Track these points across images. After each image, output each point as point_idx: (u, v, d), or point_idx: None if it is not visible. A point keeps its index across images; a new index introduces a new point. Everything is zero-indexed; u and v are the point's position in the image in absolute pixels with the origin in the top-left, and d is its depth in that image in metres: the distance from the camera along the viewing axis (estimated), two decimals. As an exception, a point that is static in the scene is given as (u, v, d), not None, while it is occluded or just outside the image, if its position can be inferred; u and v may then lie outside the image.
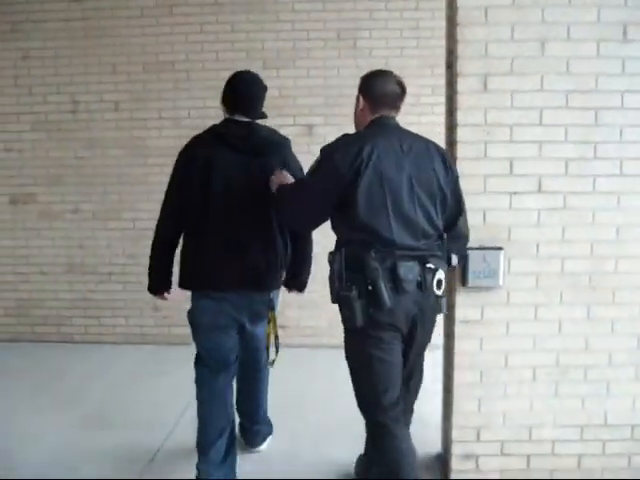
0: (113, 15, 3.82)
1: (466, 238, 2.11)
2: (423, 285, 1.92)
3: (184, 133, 3.66)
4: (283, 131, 2.34)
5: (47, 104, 3.86)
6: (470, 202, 2.00)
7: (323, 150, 1.98)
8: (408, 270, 1.89)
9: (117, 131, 3.83)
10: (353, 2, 3.75)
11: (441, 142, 2.19)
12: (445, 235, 2.03)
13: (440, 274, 1.95)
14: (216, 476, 2.25)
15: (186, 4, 3.80)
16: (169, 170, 3.50)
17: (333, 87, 3.74)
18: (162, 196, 3.54)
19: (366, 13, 3.72)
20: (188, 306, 2.17)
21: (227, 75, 3.82)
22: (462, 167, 2.05)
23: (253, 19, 3.77)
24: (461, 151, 2.10)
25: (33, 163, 3.91)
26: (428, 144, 2.00)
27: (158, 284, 2.34)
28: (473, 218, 2.05)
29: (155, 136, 3.78)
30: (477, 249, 2.17)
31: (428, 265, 1.92)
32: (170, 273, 2.30)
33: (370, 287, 1.85)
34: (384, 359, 1.94)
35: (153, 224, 3.37)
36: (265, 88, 2.35)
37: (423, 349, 2.08)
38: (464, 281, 2.23)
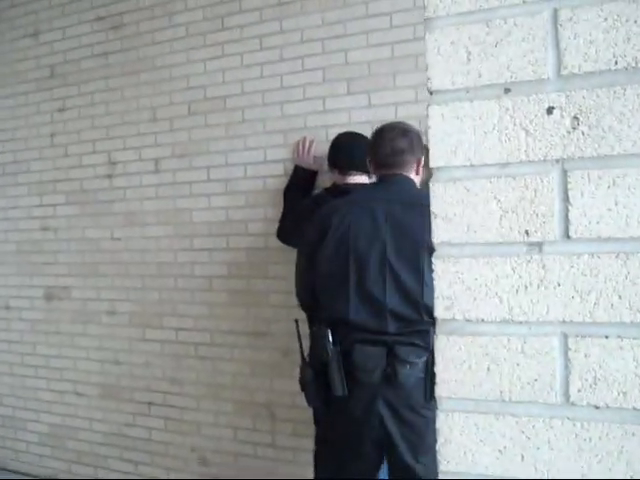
0: (154, 40, 3.40)
1: None
2: (394, 379, 1.98)
3: (239, 202, 3.17)
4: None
5: (82, 168, 3.62)
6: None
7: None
8: (366, 357, 2.02)
9: (158, 201, 3.39)
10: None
11: None
12: None
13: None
14: None
15: (240, 11, 3.18)
16: (220, 258, 3.24)
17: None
18: (211, 297, 3.28)
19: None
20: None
21: (295, 110, 3.04)
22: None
23: (331, 18, 2.97)
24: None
25: (68, 247, 3.67)
26: (423, 206, 1.83)
27: None
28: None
29: (203, 207, 3.26)
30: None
31: (399, 354, 1.97)
32: None
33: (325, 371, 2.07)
34: (334, 454, 2.16)
35: (201, 337, 3.22)
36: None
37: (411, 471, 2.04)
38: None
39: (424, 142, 2.32)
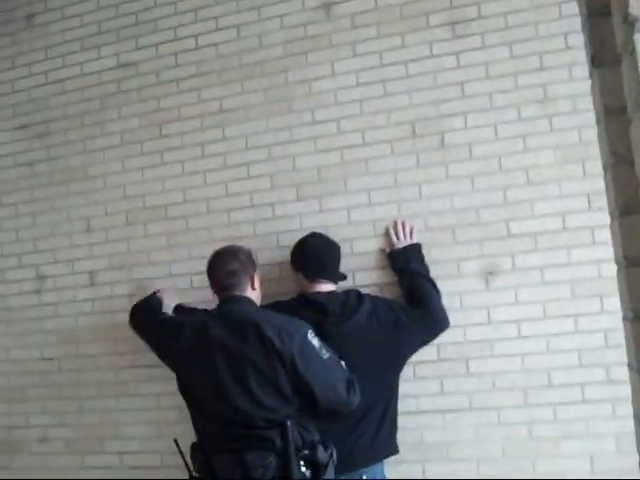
0: (85, 149, 3.28)
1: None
2: None
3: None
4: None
5: (6, 284, 3.35)
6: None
7: None
8: (222, 465, 2.16)
9: (93, 317, 3.16)
10: (433, 79, 2.81)
11: None
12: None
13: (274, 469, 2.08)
14: None
15: (179, 119, 3.13)
16: (166, 374, 2.98)
17: (415, 216, 2.76)
18: (158, 416, 3.03)
19: (455, 89, 2.78)
20: None
21: (243, 216, 2.84)
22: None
23: (276, 125, 2.98)
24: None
25: (-10, 370, 3.30)
26: (249, 324, 2.19)
27: None
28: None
29: (146, 321, 3.01)
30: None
31: (248, 459, 2.09)
32: None
33: None
34: None
35: (146, 459, 3.07)
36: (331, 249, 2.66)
37: None
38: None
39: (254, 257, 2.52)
